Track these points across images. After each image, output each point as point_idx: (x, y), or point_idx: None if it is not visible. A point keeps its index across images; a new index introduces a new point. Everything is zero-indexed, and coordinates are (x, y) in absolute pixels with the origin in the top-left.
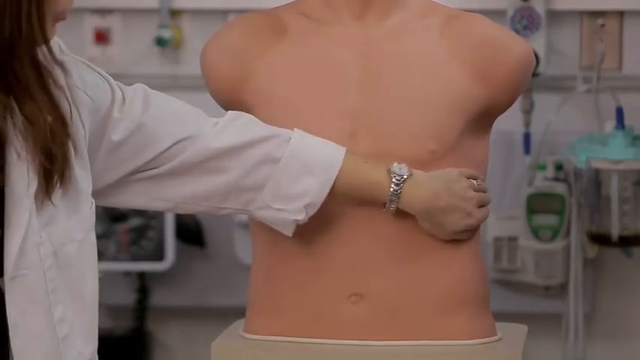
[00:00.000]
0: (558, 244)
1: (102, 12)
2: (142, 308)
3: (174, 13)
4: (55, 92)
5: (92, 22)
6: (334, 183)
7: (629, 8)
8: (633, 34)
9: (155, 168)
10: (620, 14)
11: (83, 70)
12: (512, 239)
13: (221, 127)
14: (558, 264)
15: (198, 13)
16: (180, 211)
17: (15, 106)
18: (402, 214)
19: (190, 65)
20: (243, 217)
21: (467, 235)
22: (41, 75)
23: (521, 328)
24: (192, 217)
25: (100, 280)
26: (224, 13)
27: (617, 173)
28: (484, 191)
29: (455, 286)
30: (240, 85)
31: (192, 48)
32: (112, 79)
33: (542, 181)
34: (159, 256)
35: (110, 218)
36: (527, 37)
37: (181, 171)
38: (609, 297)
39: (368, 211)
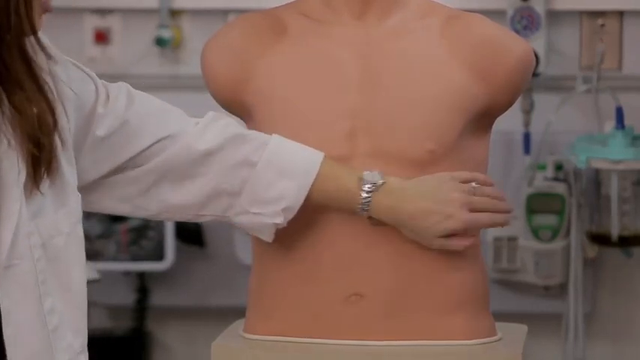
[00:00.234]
0: (558, 244)
1: (102, 12)
2: (141, 308)
3: (174, 13)
4: (44, 83)
5: (92, 22)
6: (311, 188)
7: (629, 8)
8: (633, 34)
9: (136, 168)
10: (620, 14)
11: (68, 66)
12: (512, 239)
13: (202, 128)
14: (558, 264)
15: (198, 13)
16: (162, 219)
17: (4, 96)
18: None
19: (190, 65)
20: None
21: (457, 241)
22: (30, 66)
23: (521, 328)
24: None
25: (100, 280)
26: (224, 13)
27: (617, 173)
28: (488, 195)
29: (455, 286)
30: (240, 85)
31: (192, 48)
32: (96, 77)
33: (542, 181)
34: (159, 256)
35: (110, 218)
36: (527, 37)
37: (161, 172)
38: (609, 297)
39: None
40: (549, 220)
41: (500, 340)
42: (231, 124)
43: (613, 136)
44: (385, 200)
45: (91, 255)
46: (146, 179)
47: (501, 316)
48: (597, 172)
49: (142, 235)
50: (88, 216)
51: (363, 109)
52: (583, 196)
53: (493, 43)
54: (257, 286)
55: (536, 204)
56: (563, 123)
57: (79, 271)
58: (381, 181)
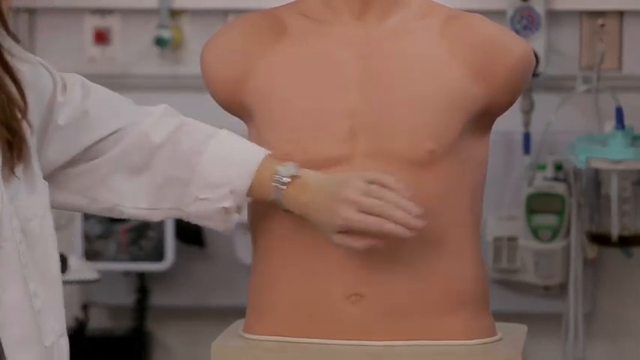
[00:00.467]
0: (558, 244)
1: (102, 12)
2: (141, 308)
3: (174, 14)
4: (13, 67)
5: (92, 22)
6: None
7: (629, 8)
8: (633, 34)
9: (90, 159)
10: (620, 14)
11: (24, 54)
12: (512, 239)
13: (155, 120)
14: (558, 264)
15: (198, 13)
16: (116, 215)
17: None
18: None
19: (190, 65)
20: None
21: (351, 241)
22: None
23: (521, 328)
24: None
25: (100, 280)
26: (224, 13)
27: (617, 173)
28: (389, 200)
29: (455, 286)
30: (240, 85)
31: (192, 48)
32: (50, 66)
33: (541, 181)
34: (159, 256)
35: (110, 218)
36: (527, 37)
37: (116, 163)
38: (609, 297)
39: None
40: (549, 220)
41: (500, 340)
42: (182, 117)
43: (613, 136)
44: (294, 193)
45: (91, 255)
46: (101, 170)
47: (501, 316)
48: (597, 172)
49: (141, 235)
50: (87, 216)
51: (362, 109)
52: (583, 196)
53: (493, 43)
54: (257, 287)
55: (536, 204)
56: (563, 123)
57: (54, 256)
58: (295, 175)
